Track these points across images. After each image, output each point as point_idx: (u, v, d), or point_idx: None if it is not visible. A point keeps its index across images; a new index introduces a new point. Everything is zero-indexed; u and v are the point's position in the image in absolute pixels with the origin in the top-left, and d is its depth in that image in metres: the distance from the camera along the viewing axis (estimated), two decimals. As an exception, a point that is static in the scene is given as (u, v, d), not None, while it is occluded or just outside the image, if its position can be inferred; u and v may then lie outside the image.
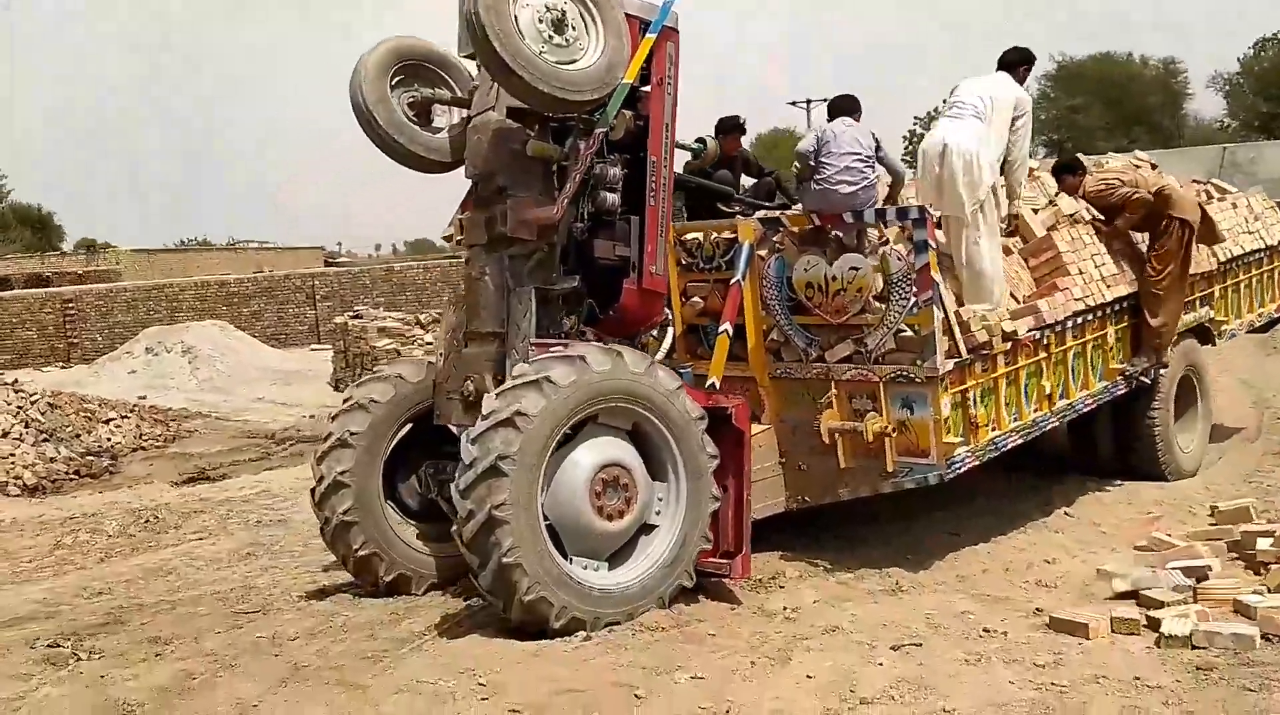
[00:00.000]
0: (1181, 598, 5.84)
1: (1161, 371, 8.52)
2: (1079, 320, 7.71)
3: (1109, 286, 7.99)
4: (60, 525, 9.86)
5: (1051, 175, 8.52)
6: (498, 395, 5.59)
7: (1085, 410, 7.96)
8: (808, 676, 4.84)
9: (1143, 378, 8.26)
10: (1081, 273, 7.78)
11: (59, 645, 5.76)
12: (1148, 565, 6.54)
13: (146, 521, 9.81)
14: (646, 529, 5.98)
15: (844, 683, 4.76)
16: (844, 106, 7.20)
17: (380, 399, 6.57)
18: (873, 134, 6.96)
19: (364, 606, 6.37)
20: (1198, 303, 9.19)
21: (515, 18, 5.71)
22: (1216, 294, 9.50)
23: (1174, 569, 6.10)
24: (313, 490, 6.67)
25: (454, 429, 6.92)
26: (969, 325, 6.78)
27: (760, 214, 7.42)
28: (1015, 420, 7.26)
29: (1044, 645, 5.25)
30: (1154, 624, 5.52)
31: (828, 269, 6.80)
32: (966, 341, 6.73)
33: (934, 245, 6.50)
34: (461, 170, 6.72)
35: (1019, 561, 6.99)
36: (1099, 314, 7.92)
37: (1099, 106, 47.98)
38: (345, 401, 6.66)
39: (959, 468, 6.74)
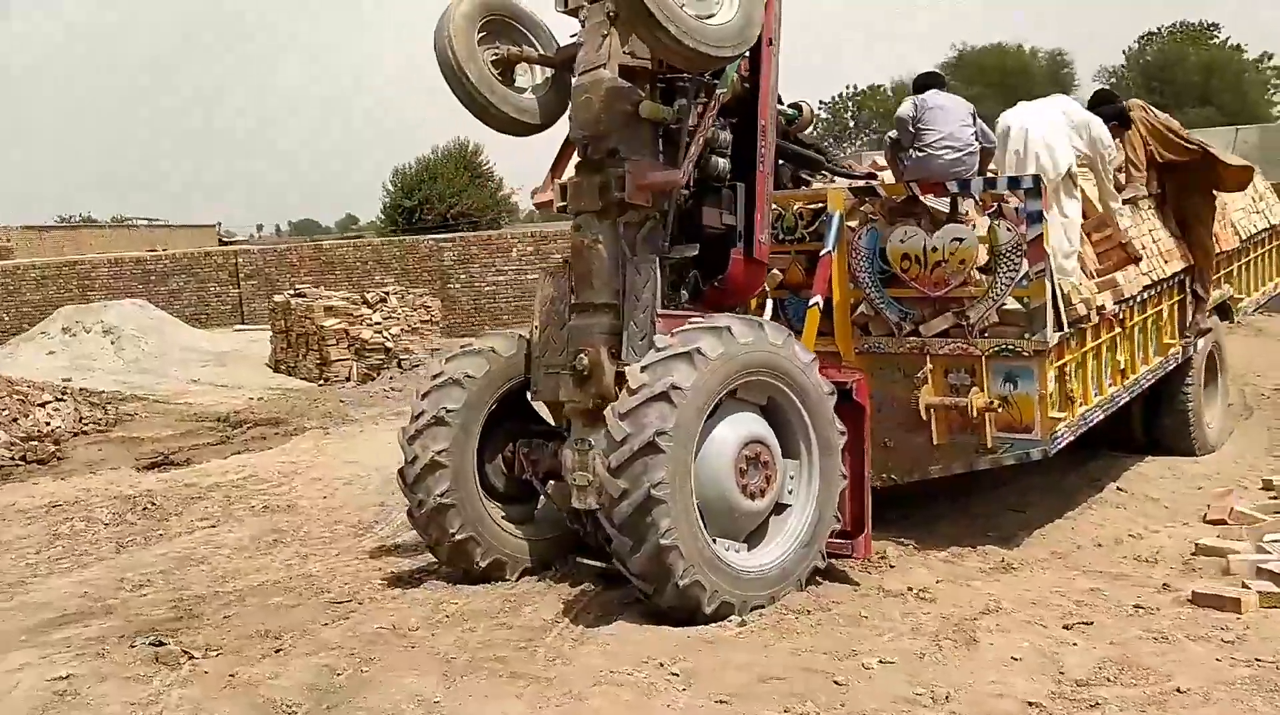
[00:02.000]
0: (1305, 570, 5.85)
1: (1195, 347, 8.63)
2: (1144, 295, 7.72)
3: (1166, 262, 8.03)
4: (46, 514, 9.17)
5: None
6: (644, 368, 5.27)
7: (1147, 385, 7.98)
8: (1013, 659, 4.67)
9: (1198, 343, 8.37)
10: (1144, 248, 7.79)
11: (161, 643, 5.24)
12: (1244, 539, 6.59)
13: (144, 509, 9.19)
14: (778, 508, 5.74)
15: (1049, 664, 4.62)
16: (930, 81, 7.05)
17: (475, 374, 6.18)
18: (966, 103, 6.83)
19: (467, 594, 5.99)
20: (1221, 280, 9.33)
21: None
22: (1235, 272, 9.68)
23: (1292, 541, 6.12)
24: (402, 471, 6.26)
25: (538, 407, 6.59)
26: (1069, 298, 6.69)
27: (851, 184, 7.20)
28: (1098, 395, 7.23)
29: (1208, 622, 5.18)
30: (1291, 597, 5.51)
31: (928, 240, 6.63)
32: (1068, 315, 6.64)
33: (1047, 216, 6.38)
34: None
35: (1104, 537, 6.97)
36: (1158, 289, 7.95)
37: (995, 95, 49.11)
38: (436, 377, 6.24)
39: (1060, 443, 6.67)
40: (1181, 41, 48.98)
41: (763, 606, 5.40)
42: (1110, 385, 7.41)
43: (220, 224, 53.73)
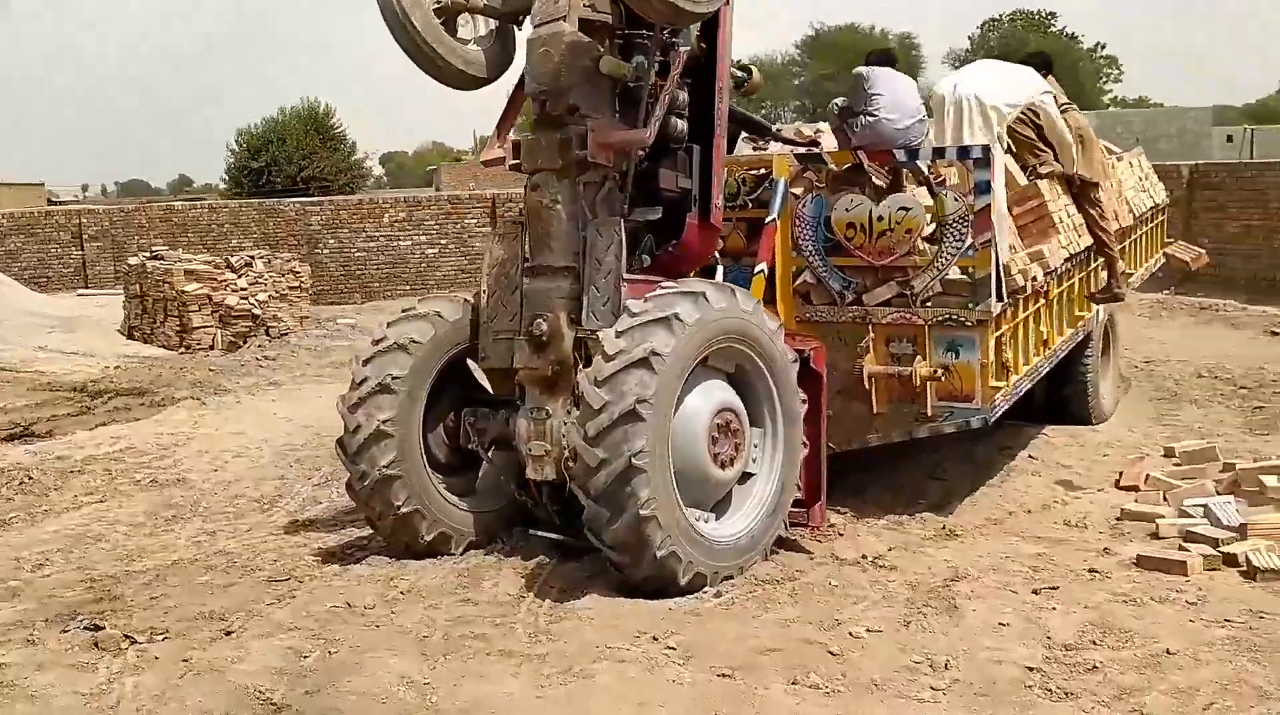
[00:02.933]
0: (1234, 534, 6.08)
1: (1096, 319, 8.91)
2: (1063, 267, 7.90)
3: (1079, 235, 8.23)
4: (-102, 486, 8.44)
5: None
6: (620, 334, 5.09)
7: (1062, 356, 8.19)
8: (1000, 625, 4.69)
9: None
10: (1061, 221, 7.97)
11: (97, 627, 4.82)
12: (1164, 504, 6.83)
13: (20, 483, 8.55)
14: (743, 477, 5.65)
15: (1035, 629, 4.66)
16: (884, 59, 7.05)
17: (420, 339, 5.88)
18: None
19: (415, 569, 5.72)
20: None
21: None
22: (1127, 248, 10.02)
23: (1225, 505, 6.35)
24: (342, 441, 5.92)
25: (479, 374, 6.32)
26: (1008, 269, 6.78)
27: (795, 150, 7.13)
28: (1025, 365, 7.37)
29: (1163, 585, 5.33)
30: (1229, 559, 5.72)
31: (874, 208, 6.62)
32: (1008, 286, 6.73)
33: (994, 187, 6.44)
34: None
35: (1030, 503, 7.14)
36: (1074, 262, 8.15)
37: (846, 74, 50.20)
38: (378, 343, 5.91)
39: (998, 411, 6.77)
40: (1024, 29, 50.91)
41: (732, 576, 5.32)
42: (1035, 355, 7.56)
43: (45, 184, 50.71)
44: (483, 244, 20.33)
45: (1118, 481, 7.61)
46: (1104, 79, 50.93)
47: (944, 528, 6.52)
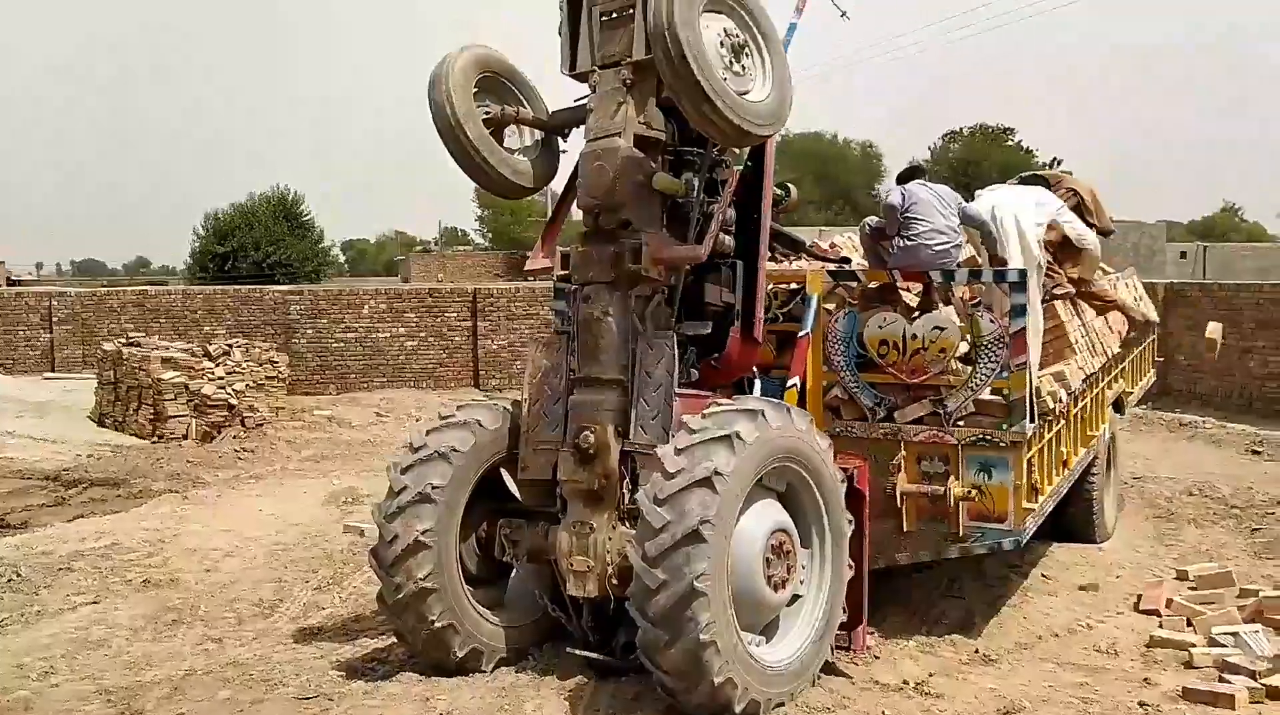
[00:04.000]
0: (1269, 664, 6.05)
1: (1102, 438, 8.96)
2: (1080, 387, 7.96)
3: (1092, 356, 8.32)
4: (-117, 586, 8.08)
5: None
6: (680, 451, 5.01)
7: (1077, 475, 8.21)
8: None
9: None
10: (1077, 342, 8.05)
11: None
12: (1193, 630, 6.80)
13: (10, 580, 8.23)
14: (790, 599, 5.54)
15: (1105, 764, 4.55)
16: (914, 174, 7.16)
17: (461, 448, 5.77)
18: (951, 190, 6.95)
19: (448, 688, 5.51)
20: (1117, 377, 9.77)
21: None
22: (1127, 367, 10.15)
23: (1255, 635, 6.33)
24: (377, 551, 5.74)
25: (509, 482, 6.20)
26: (1038, 390, 6.81)
27: (828, 267, 7.17)
28: (1049, 485, 7.37)
29: (1215, 719, 5.26)
30: (1272, 692, 5.68)
31: (907, 327, 6.65)
32: (1039, 407, 6.76)
33: (1030, 310, 6.49)
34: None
35: (1056, 626, 7.06)
36: (1088, 381, 8.23)
37: (810, 181, 51.23)
38: (418, 450, 5.78)
39: (1028, 533, 6.74)
40: (981, 142, 52.31)
41: (784, 704, 5.18)
42: (1057, 475, 7.57)
43: (3, 263, 50.02)
44: (463, 338, 20.29)
45: (1137, 605, 7.57)
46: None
47: (977, 652, 6.42)
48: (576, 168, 6.10)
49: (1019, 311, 6.42)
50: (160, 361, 16.67)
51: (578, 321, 5.77)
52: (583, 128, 6.34)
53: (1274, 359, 15.73)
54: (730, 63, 5.38)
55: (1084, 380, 7.93)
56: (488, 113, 6.15)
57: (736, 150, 5.99)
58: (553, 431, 5.85)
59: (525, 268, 6.50)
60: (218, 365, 17.11)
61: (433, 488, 5.63)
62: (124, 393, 17.04)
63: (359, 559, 9.02)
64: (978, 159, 49.23)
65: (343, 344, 19.94)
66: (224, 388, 16.83)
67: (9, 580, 8.21)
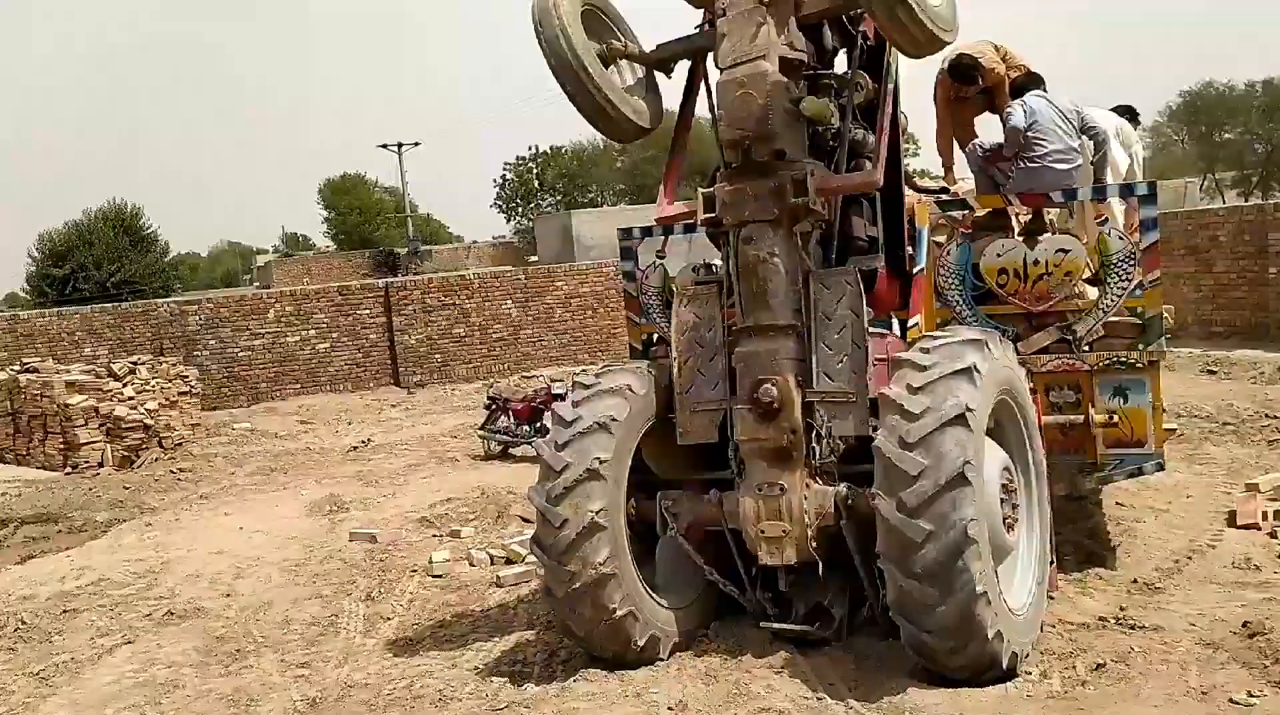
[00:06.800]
0: None
1: None
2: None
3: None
4: None
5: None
6: (919, 390, 4.53)
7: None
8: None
9: None
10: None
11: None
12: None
13: (16, 630, 7.24)
14: (1014, 542, 5.14)
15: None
16: (1032, 82, 6.85)
17: (619, 417, 5.16)
18: (1069, 103, 6.66)
19: (646, 680, 4.94)
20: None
21: None
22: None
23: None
24: (540, 539, 5.09)
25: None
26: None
27: (936, 197, 6.79)
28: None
29: None
30: None
31: (1028, 253, 6.33)
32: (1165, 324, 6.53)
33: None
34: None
35: (1179, 552, 6.86)
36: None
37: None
38: (574, 423, 5.14)
39: (1164, 457, 6.51)
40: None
41: (1029, 654, 4.78)
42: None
43: None
44: (378, 335, 19.29)
45: (1231, 520, 7.48)
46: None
47: (1136, 582, 6.18)
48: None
49: (1149, 226, 6.16)
50: (64, 386, 15.28)
51: (738, 266, 5.21)
52: (683, 63, 5.83)
53: (1206, 283, 16.20)
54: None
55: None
56: (596, 49, 5.54)
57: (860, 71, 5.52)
58: (713, 390, 5.31)
59: (655, 218, 5.89)
60: (126, 385, 15.79)
61: (600, 462, 5.02)
62: (25, 423, 15.54)
63: (388, 564, 8.33)
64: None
65: (250, 352, 18.71)
66: (136, 408, 15.54)
67: (15, 629, 7.20)
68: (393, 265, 42.61)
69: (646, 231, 6.96)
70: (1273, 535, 7.04)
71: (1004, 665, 4.50)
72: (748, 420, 5.10)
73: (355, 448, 14.72)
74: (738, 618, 5.55)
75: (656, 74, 5.94)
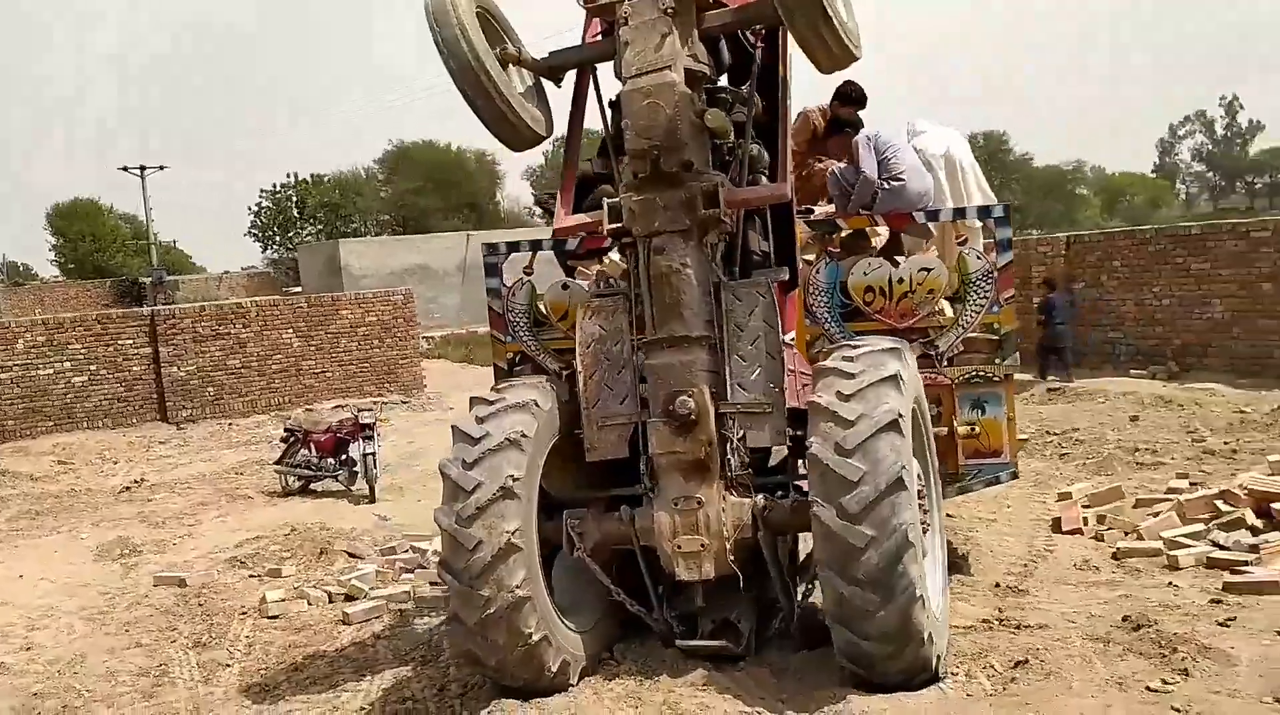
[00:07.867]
0: (1255, 556, 6.50)
1: None
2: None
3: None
4: None
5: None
6: (849, 398, 4.54)
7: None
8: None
9: None
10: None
11: None
12: (1140, 539, 7.23)
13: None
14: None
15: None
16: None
17: (529, 433, 4.94)
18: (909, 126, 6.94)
19: (564, 708, 4.71)
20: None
21: None
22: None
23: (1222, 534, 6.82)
24: (449, 563, 4.79)
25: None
26: (1007, 325, 6.92)
27: (808, 218, 6.90)
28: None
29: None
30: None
31: (893, 271, 6.54)
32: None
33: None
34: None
35: (1022, 556, 7.25)
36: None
37: (433, 189, 50.56)
38: (478, 440, 4.86)
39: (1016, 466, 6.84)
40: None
41: (943, 656, 4.86)
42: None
43: None
44: (142, 367, 17.98)
45: (1057, 526, 7.96)
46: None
47: (998, 585, 6.45)
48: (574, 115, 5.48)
49: (1005, 246, 6.49)
50: None
51: (648, 277, 5.10)
52: (570, 72, 5.71)
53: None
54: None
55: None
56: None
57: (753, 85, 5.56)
58: (622, 404, 5.18)
59: (554, 229, 5.68)
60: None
61: (513, 480, 4.77)
62: None
63: (209, 608, 7.76)
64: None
65: (-6, 387, 17.00)
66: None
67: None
68: (137, 295, 39.90)
69: (513, 247, 6.77)
70: (1098, 538, 7.52)
71: (934, 668, 4.56)
72: (663, 433, 4.99)
73: (128, 488, 13.64)
74: (641, 638, 5.41)
75: (545, 83, 5.79)
